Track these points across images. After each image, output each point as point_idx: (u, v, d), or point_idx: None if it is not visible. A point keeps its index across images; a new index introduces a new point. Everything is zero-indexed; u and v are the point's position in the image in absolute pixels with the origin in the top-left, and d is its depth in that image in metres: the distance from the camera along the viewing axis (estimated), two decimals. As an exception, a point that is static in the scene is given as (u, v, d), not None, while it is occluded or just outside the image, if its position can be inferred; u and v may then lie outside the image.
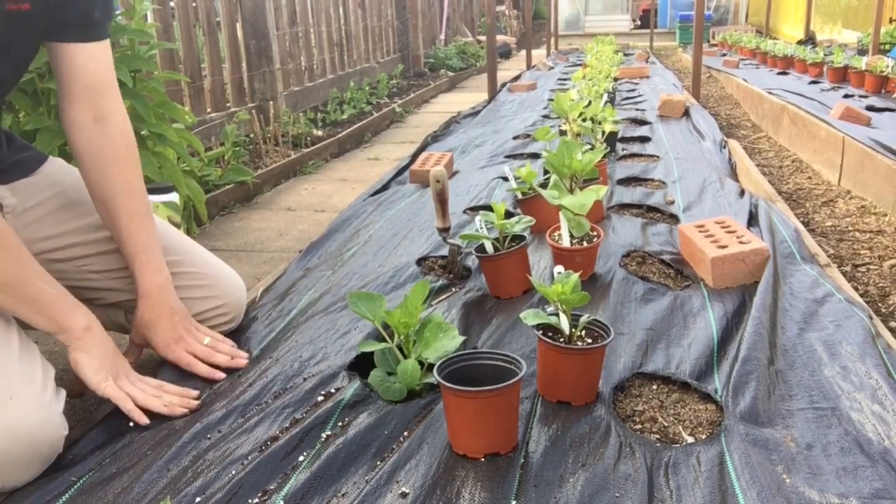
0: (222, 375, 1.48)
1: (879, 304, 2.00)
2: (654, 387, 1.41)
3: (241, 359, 1.52)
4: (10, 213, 1.42)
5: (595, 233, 1.93)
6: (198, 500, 1.11)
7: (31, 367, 1.22)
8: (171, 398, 1.37)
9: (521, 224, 1.82)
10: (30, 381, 1.19)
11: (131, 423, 1.31)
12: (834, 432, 1.22)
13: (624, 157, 3.44)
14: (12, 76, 1.44)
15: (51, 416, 1.20)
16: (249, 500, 1.10)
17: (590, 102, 3.35)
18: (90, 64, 1.43)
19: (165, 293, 1.50)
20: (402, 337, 1.37)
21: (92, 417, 1.38)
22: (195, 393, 1.42)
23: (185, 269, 1.57)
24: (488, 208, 2.55)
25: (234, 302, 1.65)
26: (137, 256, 1.48)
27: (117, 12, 2.34)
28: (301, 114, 5.18)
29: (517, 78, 7.49)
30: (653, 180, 2.97)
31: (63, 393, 1.27)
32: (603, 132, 3.02)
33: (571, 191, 2.02)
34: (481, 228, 1.87)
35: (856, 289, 2.00)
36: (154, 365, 1.53)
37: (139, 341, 1.52)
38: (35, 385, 1.20)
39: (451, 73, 8.63)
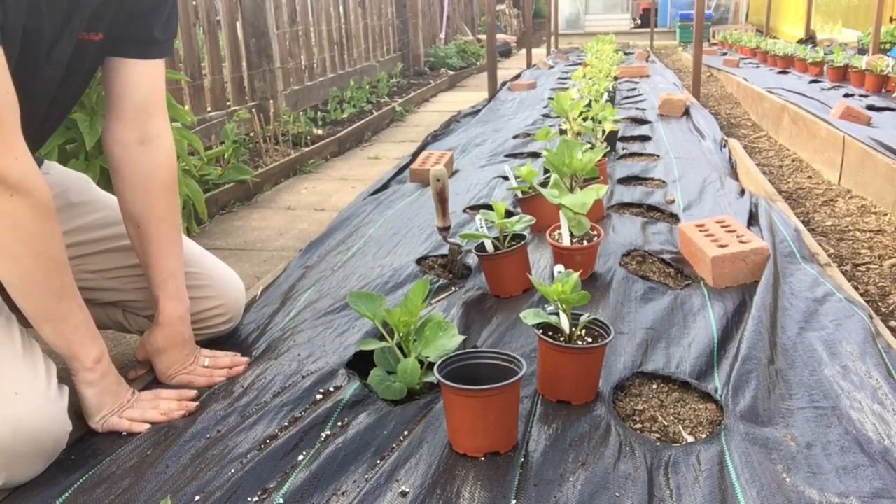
0: (221, 380, 1.48)
1: (879, 304, 2.00)
2: (655, 386, 1.41)
3: (240, 366, 1.52)
4: None
5: (595, 232, 1.93)
6: (197, 498, 1.11)
7: (34, 363, 1.22)
8: (168, 405, 1.36)
9: (521, 223, 1.82)
10: (34, 377, 1.20)
11: (123, 433, 1.31)
12: (834, 431, 1.22)
13: (624, 156, 3.44)
14: (77, 94, 1.43)
15: (56, 412, 1.20)
16: (249, 499, 1.10)
17: (590, 102, 3.35)
18: (143, 82, 1.40)
19: (183, 323, 1.50)
20: (401, 336, 1.37)
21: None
22: (193, 393, 1.42)
23: (184, 270, 1.57)
24: (488, 207, 2.55)
25: (231, 303, 1.65)
26: (164, 285, 1.46)
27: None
28: (301, 112, 5.18)
29: (517, 77, 7.49)
30: (653, 179, 2.97)
31: (66, 390, 1.27)
32: (603, 131, 3.02)
33: (572, 190, 2.02)
34: (481, 227, 1.87)
35: (856, 288, 2.00)
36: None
37: (142, 359, 1.52)
38: (40, 381, 1.20)
39: (451, 72, 8.63)
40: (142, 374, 1.53)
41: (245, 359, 1.55)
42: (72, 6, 1.22)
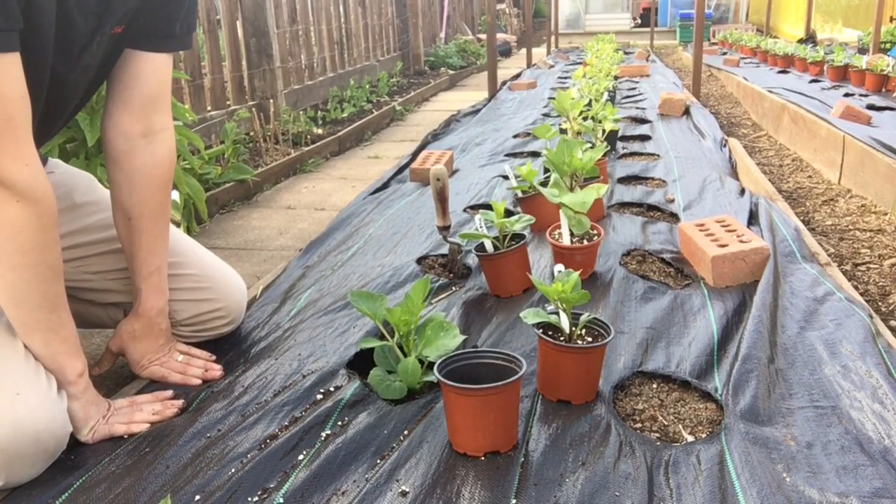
0: (197, 382, 1.47)
1: (880, 303, 2.00)
2: (655, 385, 1.40)
3: (215, 371, 1.51)
4: None
5: (595, 231, 1.93)
6: (197, 498, 1.11)
7: (36, 364, 1.22)
8: (152, 406, 1.36)
9: (520, 222, 1.82)
10: (35, 379, 1.19)
11: (125, 437, 1.30)
12: (834, 431, 1.22)
13: (624, 155, 3.44)
14: (97, 87, 1.43)
15: (57, 412, 1.20)
16: (249, 498, 1.10)
17: (590, 101, 3.35)
18: (155, 75, 1.39)
19: (161, 316, 1.50)
20: (402, 335, 1.37)
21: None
22: (169, 393, 1.42)
23: (184, 272, 1.57)
24: (488, 207, 2.55)
25: (232, 304, 1.64)
26: (148, 278, 1.47)
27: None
28: (301, 112, 5.17)
29: (517, 76, 7.49)
30: (653, 179, 2.96)
31: (66, 392, 1.27)
32: (603, 130, 3.02)
33: (572, 189, 2.02)
34: (481, 227, 1.86)
35: (856, 288, 1.99)
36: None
37: (116, 350, 1.52)
38: (41, 381, 1.20)
39: (451, 72, 8.62)
40: (106, 368, 1.53)
41: (219, 367, 1.53)
42: (102, 8, 1.21)
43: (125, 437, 1.30)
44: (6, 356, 1.19)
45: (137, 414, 1.33)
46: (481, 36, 11.71)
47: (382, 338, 1.41)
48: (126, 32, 1.32)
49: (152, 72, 1.39)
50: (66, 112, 1.37)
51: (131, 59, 1.37)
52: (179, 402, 1.38)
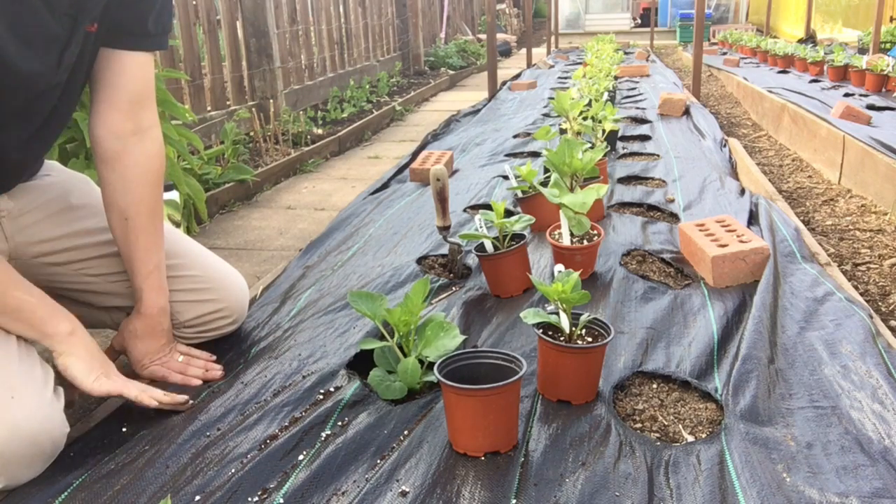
0: (198, 382, 1.48)
1: (880, 303, 2.00)
2: (655, 385, 1.40)
3: (216, 371, 1.52)
4: (6, 216, 1.41)
5: (595, 231, 1.93)
6: (197, 498, 1.11)
7: (30, 366, 1.22)
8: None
9: (520, 223, 1.82)
10: (30, 380, 1.19)
11: (124, 430, 1.31)
12: (834, 431, 1.22)
13: (624, 155, 3.44)
14: (82, 87, 1.43)
15: (53, 413, 1.20)
16: (249, 499, 1.10)
17: (590, 101, 3.35)
18: (138, 74, 1.41)
19: (164, 315, 1.51)
20: (402, 335, 1.37)
21: (92, 417, 1.38)
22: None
23: (185, 273, 1.57)
24: (488, 207, 2.55)
25: (235, 305, 1.64)
26: (148, 277, 1.47)
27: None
28: (301, 112, 5.18)
29: (517, 76, 7.48)
30: (653, 179, 2.96)
31: (62, 392, 1.26)
32: (603, 131, 3.02)
33: (572, 189, 2.02)
34: (481, 227, 1.86)
35: (856, 288, 2.00)
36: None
37: (118, 348, 1.53)
38: (36, 383, 1.20)
39: (451, 72, 8.62)
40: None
41: (219, 368, 1.53)
42: (76, 9, 1.22)
43: (122, 428, 1.31)
44: (0, 359, 1.18)
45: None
46: (481, 36, 11.71)
47: (382, 338, 1.41)
48: (99, 31, 1.33)
49: (135, 70, 1.40)
50: (45, 110, 1.35)
51: (112, 58, 1.38)
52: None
